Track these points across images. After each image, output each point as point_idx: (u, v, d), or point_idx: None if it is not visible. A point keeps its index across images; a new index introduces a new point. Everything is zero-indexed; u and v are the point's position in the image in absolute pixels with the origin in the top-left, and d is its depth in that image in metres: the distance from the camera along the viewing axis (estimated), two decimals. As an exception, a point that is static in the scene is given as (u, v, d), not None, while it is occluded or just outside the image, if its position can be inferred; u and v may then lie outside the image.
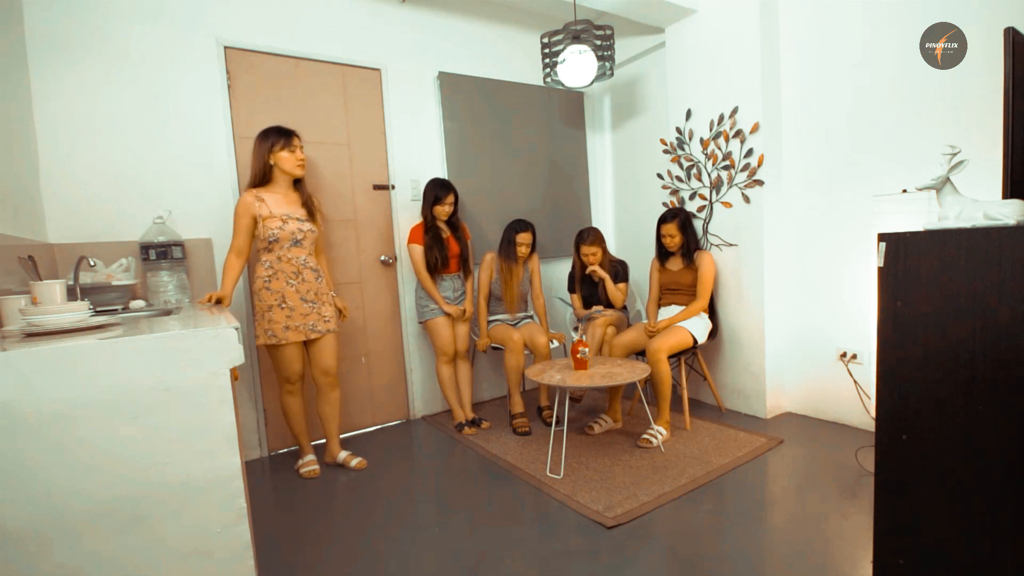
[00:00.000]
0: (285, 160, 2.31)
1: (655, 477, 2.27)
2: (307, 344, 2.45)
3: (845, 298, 2.70)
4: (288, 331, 2.32)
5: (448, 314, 2.92)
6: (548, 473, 2.36)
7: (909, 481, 1.26)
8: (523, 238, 3.01)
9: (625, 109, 3.85)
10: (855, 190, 2.61)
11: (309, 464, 2.50)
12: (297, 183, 2.41)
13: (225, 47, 2.60)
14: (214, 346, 1.15)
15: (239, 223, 2.29)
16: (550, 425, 2.89)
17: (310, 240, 2.40)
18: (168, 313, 1.92)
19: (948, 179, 1.29)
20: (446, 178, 3.13)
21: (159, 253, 2.32)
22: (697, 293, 2.87)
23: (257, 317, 2.36)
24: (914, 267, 1.22)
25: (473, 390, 3.16)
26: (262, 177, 2.32)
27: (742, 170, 2.91)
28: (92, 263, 1.96)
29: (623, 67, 3.75)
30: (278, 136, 2.30)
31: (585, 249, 3.04)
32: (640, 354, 2.97)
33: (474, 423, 2.99)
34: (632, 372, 2.44)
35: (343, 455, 2.60)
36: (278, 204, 2.32)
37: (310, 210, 2.41)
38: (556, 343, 3.13)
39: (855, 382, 2.66)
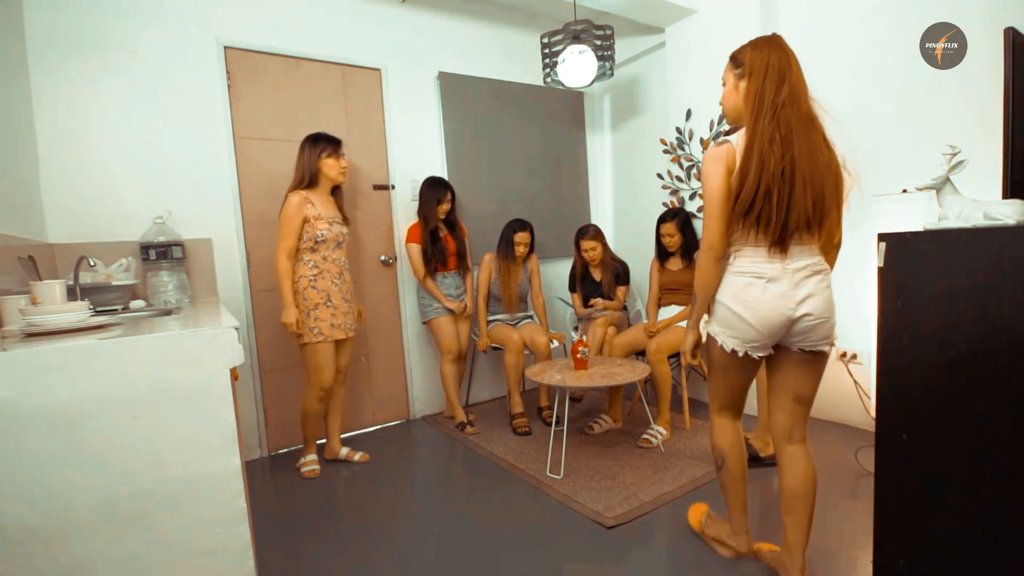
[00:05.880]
0: (331, 167, 2.42)
1: (655, 477, 2.27)
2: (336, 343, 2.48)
3: (845, 298, 2.69)
4: (333, 329, 2.39)
5: (451, 311, 2.94)
6: (548, 473, 2.36)
7: (909, 481, 1.26)
8: (521, 237, 3.01)
9: (625, 109, 3.84)
10: (855, 190, 2.60)
11: (310, 463, 2.50)
12: (335, 189, 2.51)
13: (225, 47, 2.60)
14: (214, 346, 1.15)
15: (291, 224, 2.31)
16: (550, 425, 2.89)
17: (346, 243, 2.51)
18: (168, 313, 1.92)
19: (948, 179, 1.29)
20: (445, 177, 3.14)
21: (159, 253, 2.32)
22: (697, 293, 2.87)
23: (300, 316, 2.36)
24: (914, 267, 1.21)
25: (470, 390, 3.15)
26: (309, 180, 2.38)
27: (742, 170, 2.90)
28: (92, 263, 1.96)
29: (623, 67, 3.74)
30: (327, 143, 2.42)
31: (585, 244, 3.04)
32: (640, 354, 2.97)
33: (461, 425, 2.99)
34: (632, 372, 2.44)
35: (344, 451, 2.63)
36: (323, 206, 2.40)
37: (344, 215, 2.51)
38: (556, 343, 3.13)
39: (855, 382, 2.65)
